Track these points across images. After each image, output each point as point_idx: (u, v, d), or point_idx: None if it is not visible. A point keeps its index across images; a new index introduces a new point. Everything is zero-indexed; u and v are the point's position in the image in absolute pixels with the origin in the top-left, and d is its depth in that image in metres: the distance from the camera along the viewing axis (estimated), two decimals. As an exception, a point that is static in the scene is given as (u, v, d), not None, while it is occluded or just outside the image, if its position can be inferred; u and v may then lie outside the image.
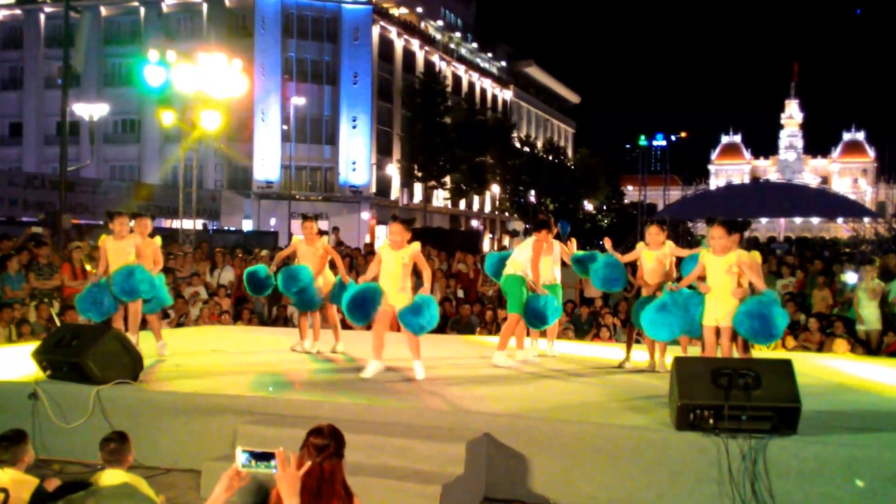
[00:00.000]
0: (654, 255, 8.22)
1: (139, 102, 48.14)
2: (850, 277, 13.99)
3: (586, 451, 5.77)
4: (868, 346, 11.69)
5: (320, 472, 3.82)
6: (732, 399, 5.49)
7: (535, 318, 8.65)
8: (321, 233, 9.60)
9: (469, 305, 15.03)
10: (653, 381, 7.61)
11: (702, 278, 7.15)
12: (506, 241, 59.44)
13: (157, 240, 9.03)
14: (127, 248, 8.59)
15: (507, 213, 67.29)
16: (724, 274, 6.83)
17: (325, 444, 3.89)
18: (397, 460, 5.74)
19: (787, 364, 5.73)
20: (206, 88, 21.02)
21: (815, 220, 56.12)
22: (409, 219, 9.60)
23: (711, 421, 5.53)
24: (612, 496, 5.69)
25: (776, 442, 5.44)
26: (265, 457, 2.96)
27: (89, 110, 29.65)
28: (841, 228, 54.58)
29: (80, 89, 40.84)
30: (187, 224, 22.83)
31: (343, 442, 4.04)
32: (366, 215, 52.45)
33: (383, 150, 55.71)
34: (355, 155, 53.53)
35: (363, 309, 7.72)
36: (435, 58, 62.23)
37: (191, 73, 20.72)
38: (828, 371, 8.84)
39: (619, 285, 9.04)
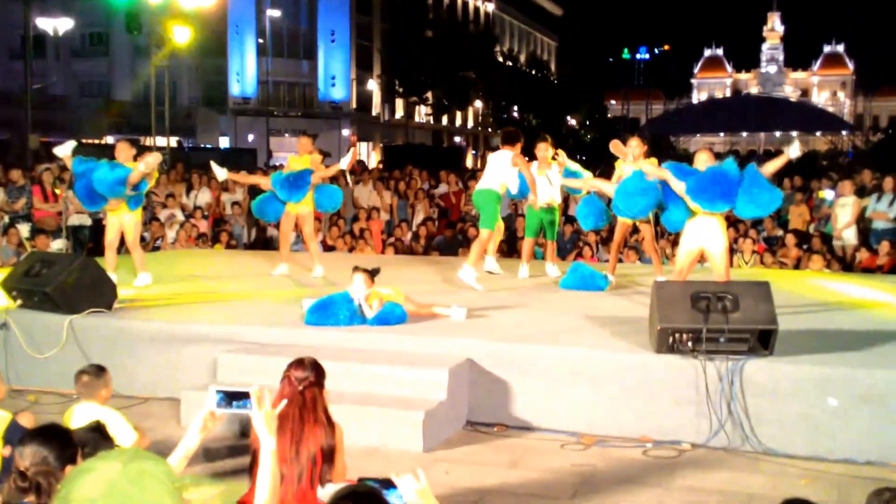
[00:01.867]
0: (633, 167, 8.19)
1: (107, 15, 46.57)
2: (827, 194, 14.02)
3: (567, 375, 5.80)
4: (844, 262, 11.77)
5: (302, 401, 3.82)
6: (711, 322, 5.51)
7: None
8: (322, 153, 9.78)
9: (452, 226, 14.99)
10: (634, 306, 7.61)
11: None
12: (489, 157, 59.10)
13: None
14: None
15: (489, 129, 66.67)
16: None
17: (306, 375, 3.89)
18: (380, 387, 5.75)
19: (765, 286, 5.74)
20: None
21: (795, 133, 56.14)
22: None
23: (690, 344, 5.57)
24: (592, 418, 5.75)
25: (752, 363, 5.49)
26: (239, 396, 2.91)
27: (53, 24, 28.65)
28: (820, 141, 54.71)
29: (44, 2, 39.50)
30: (161, 142, 22.35)
31: (323, 373, 4.03)
32: (346, 132, 51.78)
33: (363, 66, 54.60)
34: (334, 70, 52.49)
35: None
36: (414, -32, 60.53)
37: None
38: (804, 288, 8.90)
39: (603, 221, 9.07)
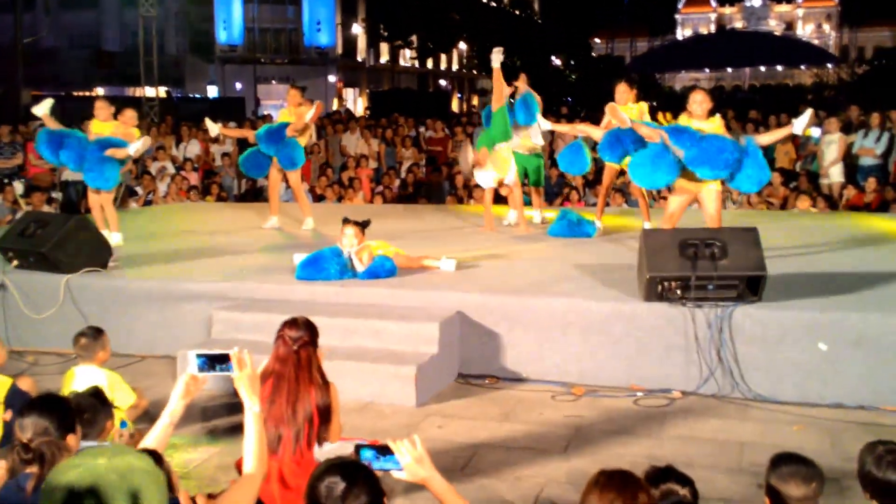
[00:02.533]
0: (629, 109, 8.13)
1: (94, -37, 45.85)
2: (813, 131, 13.98)
3: (557, 325, 5.87)
4: (831, 201, 11.82)
5: (297, 361, 3.87)
6: (699, 270, 5.57)
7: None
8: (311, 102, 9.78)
9: (439, 171, 14.97)
10: (623, 251, 7.67)
11: None
12: (475, 100, 58.75)
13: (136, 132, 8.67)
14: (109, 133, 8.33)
15: (475, 72, 66.00)
16: None
17: (300, 335, 3.94)
18: (372, 342, 5.82)
19: (753, 232, 5.79)
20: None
21: (780, 67, 55.62)
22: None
23: (679, 292, 5.63)
24: (583, 368, 5.83)
25: (741, 309, 5.55)
26: (220, 359, 2.90)
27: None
28: (805, 74, 54.39)
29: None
30: (150, 92, 22.12)
31: (317, 332, 4.08)
32: (332, 78, 51.23)
33: (348, 10, 53.70)
34: (319, 15, 51.70)
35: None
36: None
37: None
38: (792, 229, 8.95)
39: (585, 167, 9.08)
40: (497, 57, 9.22)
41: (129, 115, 8.65)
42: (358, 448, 2.46)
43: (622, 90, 8.45)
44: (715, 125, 6.59)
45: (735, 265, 5.58)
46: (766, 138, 6.81)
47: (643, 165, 6.69)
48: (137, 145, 8.20)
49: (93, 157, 8.10)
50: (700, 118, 6.61)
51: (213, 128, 9.70)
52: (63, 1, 48.75)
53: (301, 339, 3.94)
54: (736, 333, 5.53)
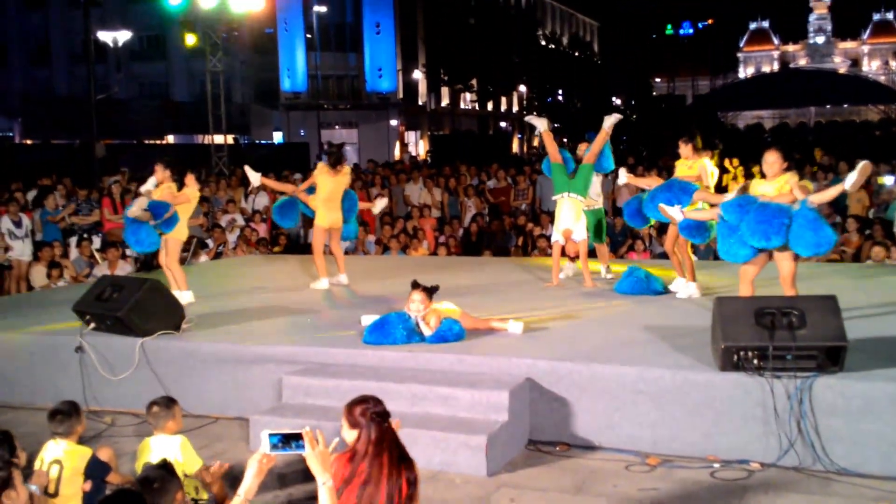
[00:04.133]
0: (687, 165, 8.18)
1: (163, 18, 47.46)
2: (887, 179, 13.68)
3: (628, 393, 5.77)
4: (909, 251, 11.46)
5: (394, 437, 3.81)
6: (777, 339, 5.42)
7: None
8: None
9: (502, 221, 14.98)
10: (692, 315, 7.50)
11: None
12: (535, 141, 58.92)
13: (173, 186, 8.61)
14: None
15: (534, 113, 66.30)
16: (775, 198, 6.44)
17: (384, 409, 3.87)
18: (441, 409, 5.79)
19: (832, 300, 5.62)
20: (227, 4, 20.62)
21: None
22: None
23: (756, 362, 5.47)
24: (657, 437, 5.71)
25: (822, 380, 5.38)
26: (293, 437, 3.00)
27: (113, 36, 29.40)
28: (872, 111, 53.33)
29: (104, 8, 40.23)
30: (218, 139, 22.79)
31: (387, 410, 4.06)
32: (394, 122, 51.98)
33: (409, 56, 54.60)
34: (381, 61, 52.65)
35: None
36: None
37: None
38: (869, 284, 8.71)
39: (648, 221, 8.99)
40: (610, 121, 9.18)
41: (158, 170, 8.55)
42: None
43: (682, 147, 8.32)
44: (780, 184, 6.48)
45: (814, 335, 5.42)
46: (817, 197, 6.56)
47: (724, 240, 6.62)
48: (132, 207, 8.33)
49: (127, 221, 8.39)
50: (771, 179, 6.53)
51: (255, 177, 9.76)
52: (133, 52, 50.63)
53: (387, 414, 3.90)
54: (816, 404, 5.36)
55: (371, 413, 3.85)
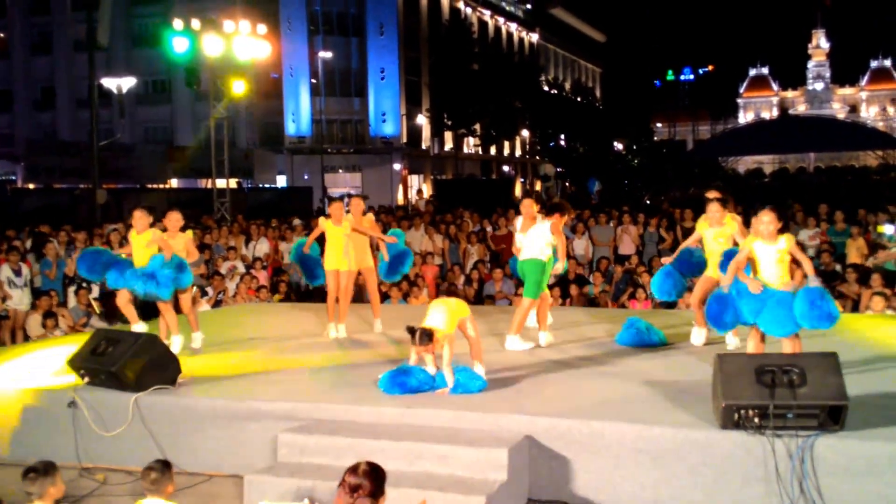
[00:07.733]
0: (713, 231, 7.92)
1: (168, 64, 48.04)
2: (887, 228, 13.66)
3: (628, 451, 5.69)
4: (907, 302, 11.40)
5: None
6: (778, 398, 5.37)
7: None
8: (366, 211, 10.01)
9: (502, 268, 14.90)
10: (693, 365, 7.47)
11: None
12: (538, 185, 59.02)
13: (189, 234, 8.91)
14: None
15: (537, 157, 66.67)
16: (776, 263, 6.41)
17: (358, 483, 3.88)
18: (439, 468, 5.71)
19: (832, 358, 5.57)
20: (232, 52, 20.86)
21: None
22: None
23: (757, 420, 5.41)
24: (657, 496, 5.63)
25: (824, 440, 5.31)
26: None
27: (117, 83, 29.74)
28: (870, 156, 53.69)
29: (109, 54, 40.75)
30: (221, 183, 22.88)
31: (382, 480, 4.00)
32: (397, 166, 52.30)
33: (412, 100, 55.18)
34: (385, 106, 53.18)
35: None
36: (460, 4, 61.16)
37: (216, 41, 20.50)
38: (870, 337, 8.66)
39: (677, 295, 8.87)
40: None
41: (174, 217, 8.51)
42: None
43: (714, 209, 7.93)
44: (784, 248, 6.42)
45: (815, 393, 5.36)
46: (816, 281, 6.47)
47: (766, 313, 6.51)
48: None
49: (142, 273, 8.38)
50: (768, 240, 6.44)
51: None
52: (139, 96, 51.17)
53: (360, 489, 3.88)
54: (818, 464, 5.28)
55: (343, 478, 3.86)
